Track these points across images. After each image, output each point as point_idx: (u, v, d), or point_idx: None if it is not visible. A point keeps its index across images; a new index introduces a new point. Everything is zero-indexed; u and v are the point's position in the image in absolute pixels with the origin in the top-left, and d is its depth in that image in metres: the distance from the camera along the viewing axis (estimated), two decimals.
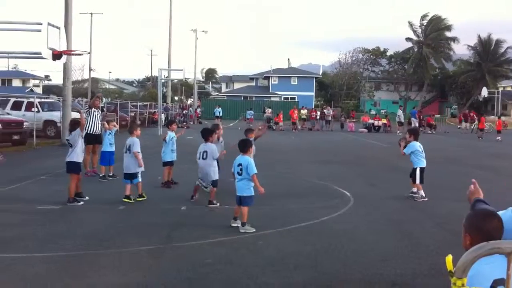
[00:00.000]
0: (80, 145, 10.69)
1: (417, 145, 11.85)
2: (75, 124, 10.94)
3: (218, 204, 10.41)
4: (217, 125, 12.58)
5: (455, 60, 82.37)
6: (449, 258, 2.33)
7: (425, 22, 79.11)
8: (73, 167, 10.56)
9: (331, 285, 6.18)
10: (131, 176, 10.77)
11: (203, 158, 10.58)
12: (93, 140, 14.48)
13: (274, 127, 43.44)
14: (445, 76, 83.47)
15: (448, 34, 78.31)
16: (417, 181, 11.65)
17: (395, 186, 13.72)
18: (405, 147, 11.96)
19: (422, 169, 11.71)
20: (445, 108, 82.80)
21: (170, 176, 12.89)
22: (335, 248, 7.64)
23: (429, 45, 77.13)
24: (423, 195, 11.54)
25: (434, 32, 77.48)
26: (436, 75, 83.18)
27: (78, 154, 10.63)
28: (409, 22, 79.83)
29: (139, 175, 10.92)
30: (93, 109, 14.70)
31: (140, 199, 10.85)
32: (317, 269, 6.65)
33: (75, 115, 23.86)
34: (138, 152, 10.89)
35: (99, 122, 14.93)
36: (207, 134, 10.89)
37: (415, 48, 79.38)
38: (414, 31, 79.86)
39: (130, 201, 10.58)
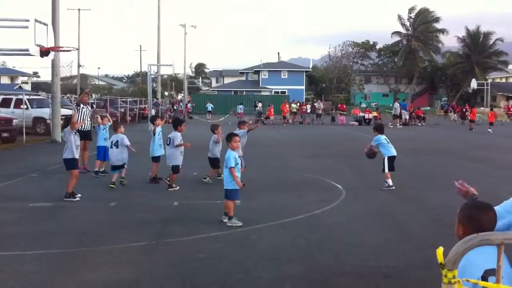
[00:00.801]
0: (73, 141, 10.74)
1: (382, 138, 12.32)
2: (67, 122, 11.21)
3: (177, 188, 11.63)
4: (216, 125, 13.38)
5: (444, 52, 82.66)
6: (439, 251, 2.35)
7: (413, 15, 79.37)
8: (68, 164, 10.71)
9: (324, 278, 6.21)
10: (122, 167, 12.12)
11: (167, 144, 11.96)
12: (82, 136, 14.33)
13: (265, 122, 43.47)
14: (434, 69, 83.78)
15: (437, 26, 78.64)
16: (386, 170, 11.98)
17: None
18: (370, 151, 12.43)
19: (390, 158, 12.04)
20: (435, 100, 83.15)
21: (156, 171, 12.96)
22: (328, 241, 7.67)
23: (418, 38, 77.39)
24: (390, 184, 11.90)
25: (423, 24, 77.75)
26: (426, 68, 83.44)
27: (71, 150, 10.69)
28: (398, 15, 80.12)
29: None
30: (81, 105, 14.63)
31: (124, 181, 12.12)
32: (310, 262, 6.68)
33: (64, 111, 23.76)
34: (129, 144, 12.22)
35: (89, 119, 14.83)
36: (176, 124, 12.35)
37: (404, 41, 79.63)
38: (403, 24, 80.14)
39: (114, 186, 11.80)
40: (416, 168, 16.22)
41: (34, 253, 6.93)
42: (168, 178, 11.95)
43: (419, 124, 42.87)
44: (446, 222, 8.81)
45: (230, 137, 8.94)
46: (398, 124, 39.99)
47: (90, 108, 15.26)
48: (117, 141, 12.10)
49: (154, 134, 12.94)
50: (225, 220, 8.55)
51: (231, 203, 8.53)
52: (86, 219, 9.00)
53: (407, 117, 41.88)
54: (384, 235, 8.12)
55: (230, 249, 7.27)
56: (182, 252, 7.03)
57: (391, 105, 70.50)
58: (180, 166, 11.86)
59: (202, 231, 8.04)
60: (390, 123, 40.02)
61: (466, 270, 2.53)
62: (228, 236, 7.91)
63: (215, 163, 12.88)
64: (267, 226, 8.50)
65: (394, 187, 11.83)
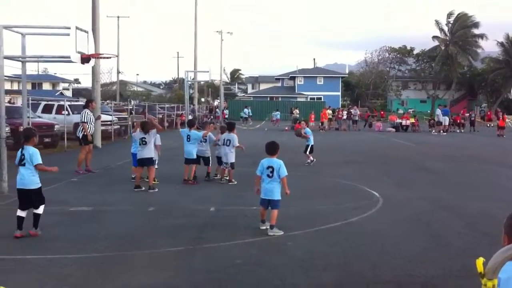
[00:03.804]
0: (152, 143, 12.51)
1: (308, 130, 18.90)
2: (148, 126, 12.65)
3: (235, 182, 13.27)
4: (207, 122, 15.65)
5: (484, 58, 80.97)
6: (479, 261, 2.33)
7: (451, 20, 78.06)
8: (149, 161, 12.43)
9: (360, 287, 6.18)
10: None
11: (226, 145, 13.30)
12: (90, 140, 15.93)
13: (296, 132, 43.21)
14: (473, 74, 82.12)
15: (476, 31, 77.19)
16: (307, 152, 18.03)
17: (423, 186, 13.60)
18: (298, 133, 19.40)
19: (312, 146, 18.13)
20: (474, 107, 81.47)
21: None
22: (364, 249, 7.62)
23: (456, 43, 76.06)
24: (309, 161, 17.92)
25: (461, 29, 76.39)
26: (465, 73, 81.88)
27: (152, 151, 12.49)
28: (435, 21, 78.94)
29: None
30: (88, 110, 16.16)
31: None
32: (346, 270, 6.65)
33: (105, 117, 24.38)
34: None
35: (93, 124, 16.40)
36: (231, 126, 13.84)
37: (442, 46, 78.34)
38: (441, 29, 78.88)
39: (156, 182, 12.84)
40: (454, 175, 15.96)
41: (73, 257, 7.08)
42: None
43: (458, 130, 42.19)
44: (484, 230, 8.67)
45: (274, 146, 8.70)
46: (440, 131, 39.51)
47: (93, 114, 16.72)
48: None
49: (204, 138, 13.65)
50: (263, 228, 8.51)
51: (276, 213, 8.34)
52: (124, 223, 9.16)
53: (446, 123, 41.19)
54: (421, 243, 8.02)
55: (267, 255, 7.30)
56: (219, 258, 7.09)
57: (429, 111, 69.58)
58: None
59: (238, 237, 8.09)
60: (433, 130, 39.69)
61: (510, 283, 2.47)
62: (264, 242, 7.93)
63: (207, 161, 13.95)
64: (303, 233, 8.49)
65: (312, 163, 17.64)
